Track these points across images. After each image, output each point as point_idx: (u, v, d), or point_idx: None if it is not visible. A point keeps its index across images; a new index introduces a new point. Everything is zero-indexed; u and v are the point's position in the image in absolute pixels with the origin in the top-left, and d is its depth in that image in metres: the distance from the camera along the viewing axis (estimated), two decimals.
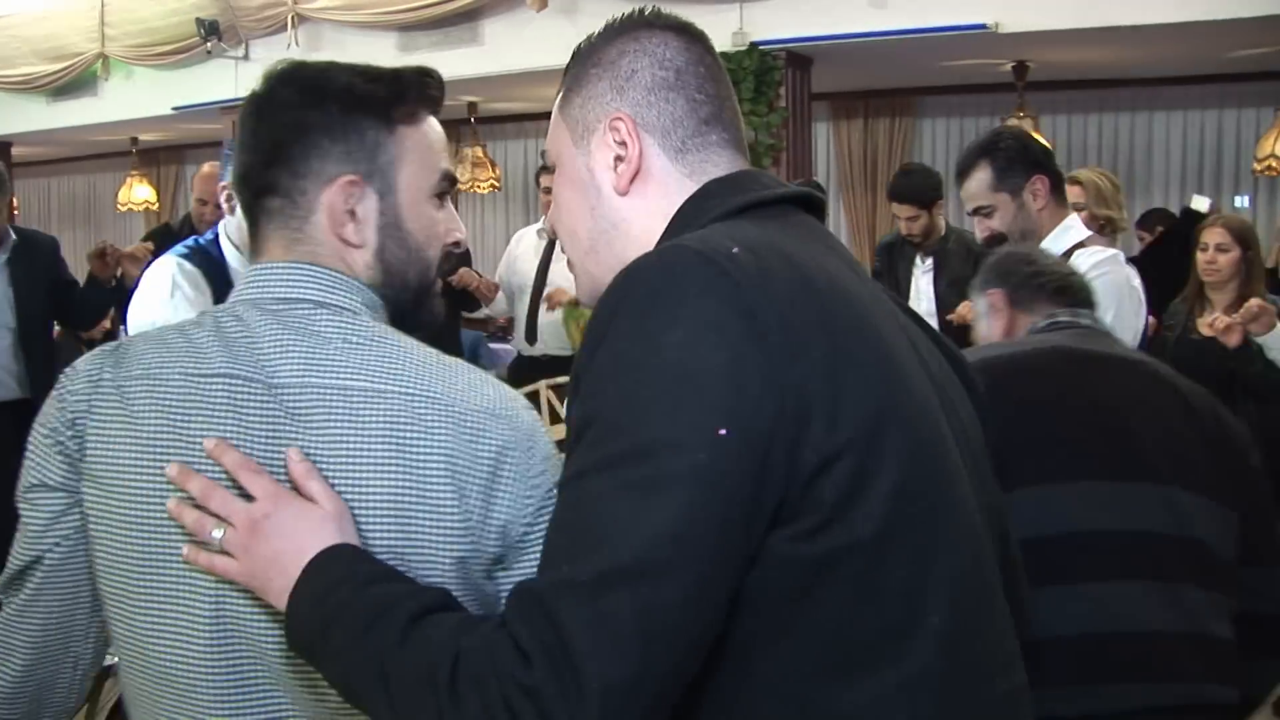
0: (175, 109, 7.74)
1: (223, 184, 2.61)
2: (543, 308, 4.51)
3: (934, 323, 3.89)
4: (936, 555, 0.88)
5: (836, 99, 7.33)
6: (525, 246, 4.78)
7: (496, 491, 0.96)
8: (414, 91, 1.08)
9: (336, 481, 0.95)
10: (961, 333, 3.52)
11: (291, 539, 0.91)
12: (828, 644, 0.85)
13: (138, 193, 9.34)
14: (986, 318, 1.89)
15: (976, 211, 2.48)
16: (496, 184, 7.94)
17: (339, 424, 0.96)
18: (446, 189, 1.12)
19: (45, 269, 3.92)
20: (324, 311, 1.02)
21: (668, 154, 1.03)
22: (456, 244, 1.14)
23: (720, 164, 1.04)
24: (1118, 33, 5.16)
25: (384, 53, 6.77)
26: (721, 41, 5.56)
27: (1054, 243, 2.40)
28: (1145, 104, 6.94)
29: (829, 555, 0.83)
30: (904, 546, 0.86)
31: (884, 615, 0.85)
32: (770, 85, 5.75)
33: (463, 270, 4.55)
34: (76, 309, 4.06)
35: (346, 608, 0.87)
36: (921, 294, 4.20)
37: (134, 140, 9.26)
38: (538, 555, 0.88)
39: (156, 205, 9.59)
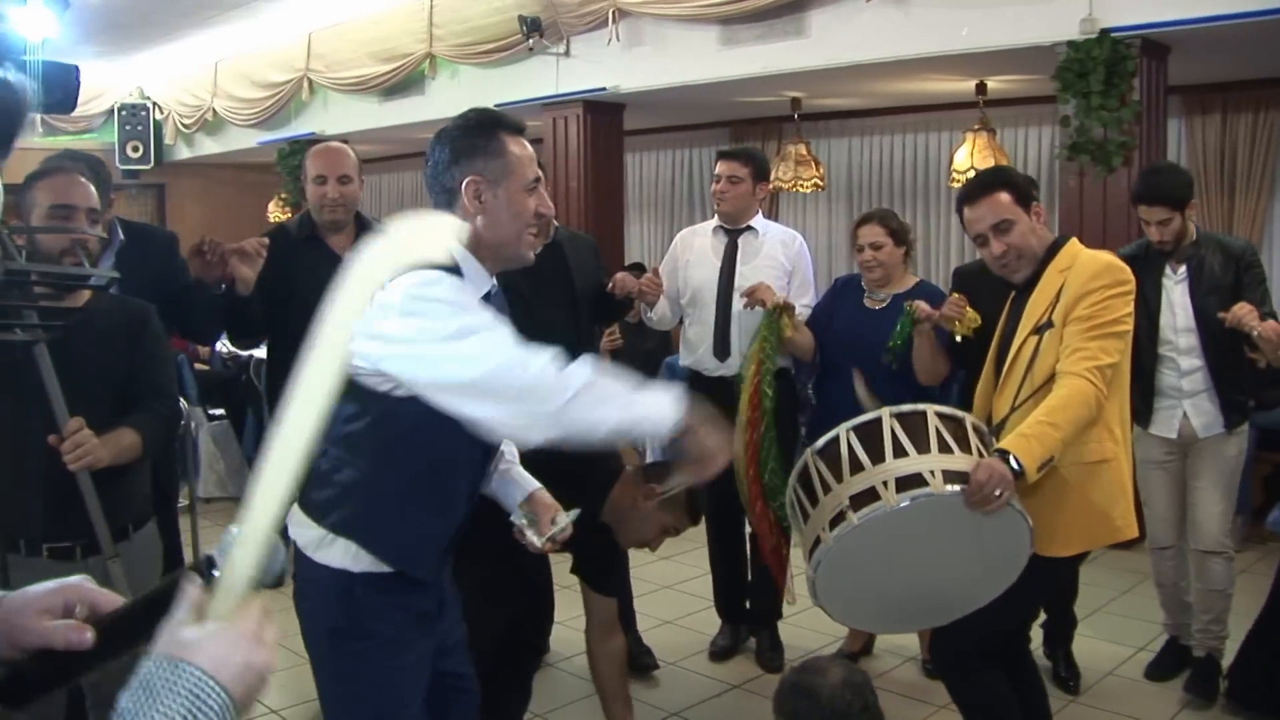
0: (498, 106, 7.33)
1: (472, 178, 2.03)
2: (736, 311, 3.87)
3: (1193, 338, 3.56)
4: None
5: (1189, 92, 6.55)
6: (700, 249, 4.05)
7: None
8: None
9: None
10: (1233, 337, 3.19)
11: None
12: None
13: None
14: None
15: None
16: (820, 183, 7.46)
17: None
18: None
19: (156, 269, 3.14)
20: None
21: None
22: None
23: None
24: None
25: (705, 46, 6.64)
26: (1069, 29, 5.21)
27: None
28: None
29: None
30: None
31: None
32: (1123, 77, 5.17)
33: (619, 275, 3.75)
34: (185, 316, 3.18)
35: None
36: (1175, 306, 3.63)
37: None
38: None
39: None
